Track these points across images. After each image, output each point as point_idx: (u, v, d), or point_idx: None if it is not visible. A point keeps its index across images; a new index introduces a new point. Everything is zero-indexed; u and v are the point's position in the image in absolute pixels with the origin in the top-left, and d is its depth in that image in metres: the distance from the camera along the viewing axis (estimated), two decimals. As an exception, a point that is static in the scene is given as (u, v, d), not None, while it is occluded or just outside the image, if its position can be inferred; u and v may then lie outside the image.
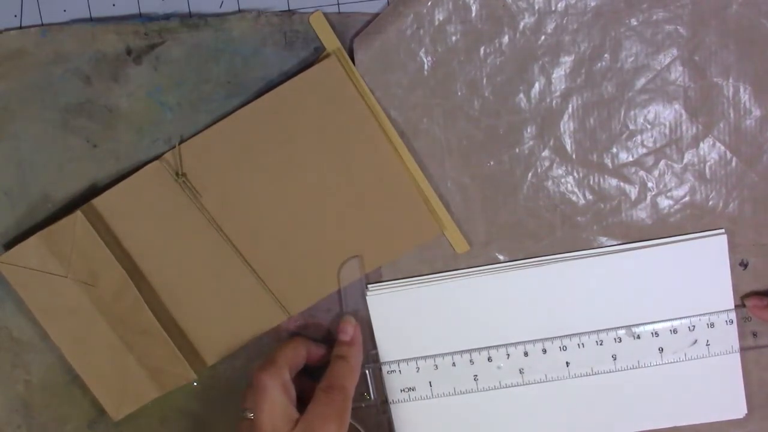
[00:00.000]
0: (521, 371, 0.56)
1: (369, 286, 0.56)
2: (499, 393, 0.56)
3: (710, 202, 0.55)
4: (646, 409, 0.56)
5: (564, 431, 0.56)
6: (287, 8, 0.54)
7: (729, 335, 0.55)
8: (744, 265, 0.55)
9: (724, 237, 0.54)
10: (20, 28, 0.54)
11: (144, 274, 0.55)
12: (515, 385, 0.56)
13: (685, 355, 0.55)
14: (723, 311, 0.55)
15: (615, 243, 0.55)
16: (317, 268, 0.55)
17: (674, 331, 0.55)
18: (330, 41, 0.53)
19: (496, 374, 0.56)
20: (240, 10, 0.54)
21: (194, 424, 0.58)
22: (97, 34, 0.54)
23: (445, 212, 0.55)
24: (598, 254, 0.55)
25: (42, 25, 0.55)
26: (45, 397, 0.57)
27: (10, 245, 0.55)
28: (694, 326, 0.55)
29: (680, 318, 0.55)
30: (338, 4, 0.54)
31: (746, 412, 0.56)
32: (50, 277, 0.54)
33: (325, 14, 0.54)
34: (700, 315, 0.55)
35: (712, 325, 0.55)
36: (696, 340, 0.55)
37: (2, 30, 0.54)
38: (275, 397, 0.50)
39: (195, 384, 0.58)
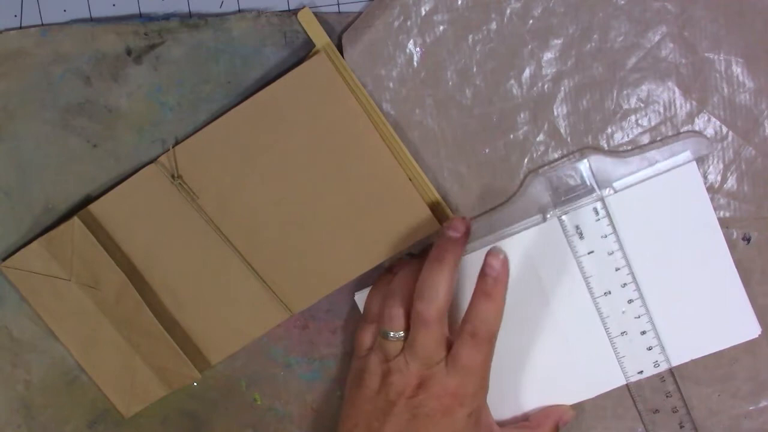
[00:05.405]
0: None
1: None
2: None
3: (708, 178, 0.54)
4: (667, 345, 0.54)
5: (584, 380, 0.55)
6: (287, 8, 0.55)
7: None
8: (747, 239, 0.54)
9: (694, 164, 0.53)
10: (20, 28, 0.55)
11: (144, 277, 0.56)
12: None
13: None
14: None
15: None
16: (317, 266, 0.55)
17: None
18: (319, 37, 0.53)
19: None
20: (240, 10, 0.55)
21: (194, 424, 0.57)
22: (97, 34, 0.54)
23: (443, 203, 0.54)
24: (581, 206, 0.54)
25: (42, 25, 0.55)
26: (45, 397, 0.57)
27: (10, 246, 0.56)
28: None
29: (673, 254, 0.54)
30: (338, 3, 0.55)
31: (760, 330, 0.53)
32: (54, 281, 0.55)
33: (325, 14, 0.54)
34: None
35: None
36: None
37: (2, 30, 0.55)
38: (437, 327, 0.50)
39: (195, 384, 0.57)
